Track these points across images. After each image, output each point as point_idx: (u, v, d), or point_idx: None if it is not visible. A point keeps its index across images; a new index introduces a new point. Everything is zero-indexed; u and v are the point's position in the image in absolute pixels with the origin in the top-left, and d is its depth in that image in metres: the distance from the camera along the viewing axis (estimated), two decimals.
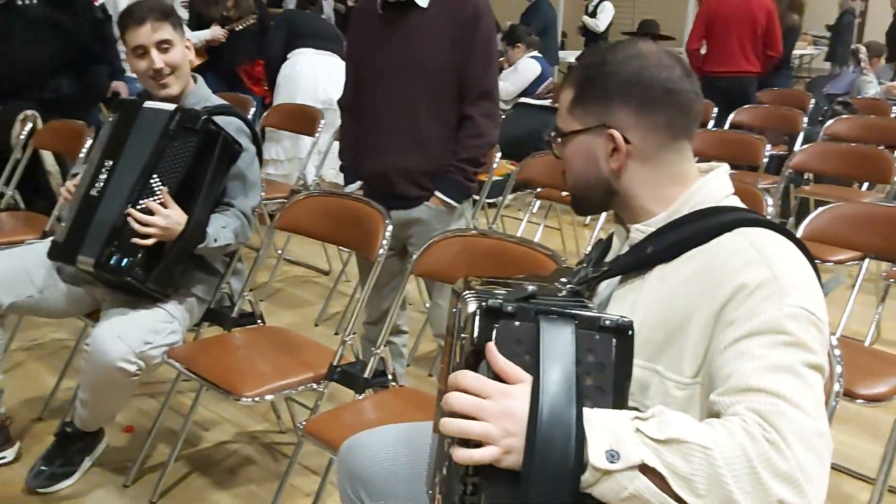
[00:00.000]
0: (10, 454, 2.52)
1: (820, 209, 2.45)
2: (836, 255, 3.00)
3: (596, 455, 1.01)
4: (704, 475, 0.99)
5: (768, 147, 3.92)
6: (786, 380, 1.06)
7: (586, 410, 1.04)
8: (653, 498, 1.01)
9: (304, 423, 1.95)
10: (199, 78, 2.53)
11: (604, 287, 1.36)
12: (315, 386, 2.16)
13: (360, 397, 2.11)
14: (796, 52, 10.34)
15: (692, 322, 1.17)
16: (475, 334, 1.09)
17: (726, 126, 4.92)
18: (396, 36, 2.49)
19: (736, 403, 1.06)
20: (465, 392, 1.08)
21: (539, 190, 4.09)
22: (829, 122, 4.62)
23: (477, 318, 1.10)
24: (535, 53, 6.08)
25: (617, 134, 1.27)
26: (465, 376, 1.09)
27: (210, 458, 2.63)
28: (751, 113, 5.00)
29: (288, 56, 4.99)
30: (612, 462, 1.01)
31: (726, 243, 1.20)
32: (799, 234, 2.45)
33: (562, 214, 4.78)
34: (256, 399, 2.08)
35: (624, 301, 1.28)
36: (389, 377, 2.16)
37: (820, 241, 2.46)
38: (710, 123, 5.03)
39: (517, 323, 1.09)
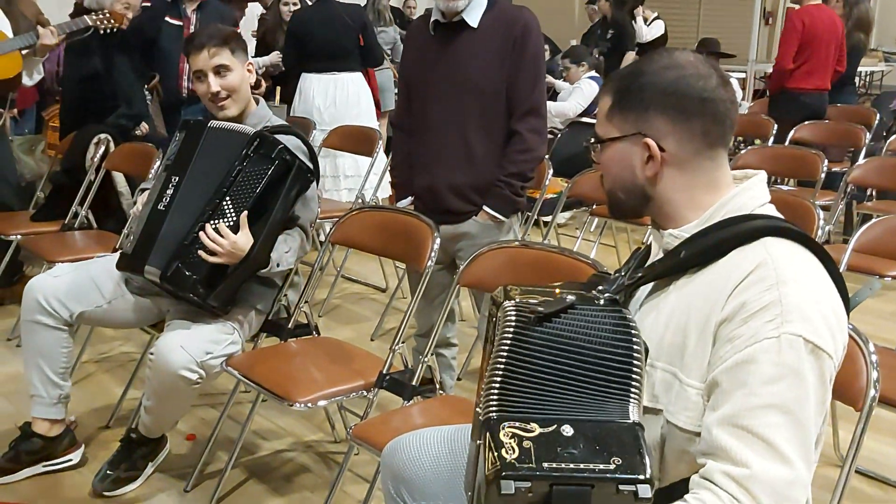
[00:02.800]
0: (75, 457, 2.63)
1: (872, 221, 2.43)
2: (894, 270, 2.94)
3: None
4: None
5: (825, 163, 3.87)
6: (774, 420, 1.13)
7: None
8: None
9: (352, 427, 2.02)
10: (261, 100, 2.64)
11: (640, 293, 1.39)
12: (365, 393, 2.22)
13: (408, 404, 2.16)
14: (866, 68, 10.13)
15: (708, 328, 1.21)
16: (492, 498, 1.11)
17: (787, 142, 4.86)
18: (448, 55, 2.56)
19: (720, 449, 1.15)
20: None
21: (594, 206, 4.11)
22: (893, 137, 4.54)
23: (494, 485, 1.10)
24: (594, 74, 6.10)
25: (652, 143, 1.30)
26: None
27: (266, 466, 2.71)
28: (812, 129, 4.93)
29: (302, 74, 5.03)
30: None
31: (746, 254, 1.22)
32: (851, 246, 2.43)
33: (618, 232, 4.78)
34: (309, 405, 2.15)
35: (653, 309, 1.31)
36: (437, 386, 2.21)
37: (873, 254, 2.44)
38: (771, 140, 4.99)
39: (531, 495, 1.10)
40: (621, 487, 1.08)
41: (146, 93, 4.58)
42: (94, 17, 3.77)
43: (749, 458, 1.13)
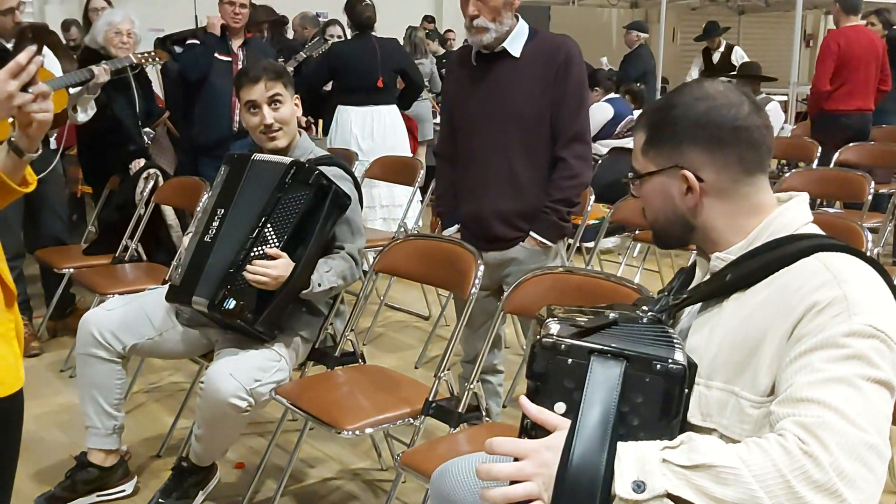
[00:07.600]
0: (128, 487, 2.67)
1: None
2: None
3: (623, 487, 1.07)
4: (737, 494, 1.04)
5: (872, 184, 3.81)
6: (840, 391, 1.09)
7: (620, 445, 1.11)
8: None
9: (400, 454, 2.03)
10: (303, 132, 2.69)
11: (685, 315, 1.40)
12: (412, 420, 2.23)
13: (455, 431, 2.17)
14: None
15: (766, 342, 1.20)
16: (533, 368, 1.19)
17: (832, 164, 4.80)
18: (490, 85, 2.59)
19: (785, 417, 1.10)
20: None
21: (637, 232, 4.10)
22: None
23: (534, 352, 1.18)
24: (612, 95, 6.10)
25: (690, 174, 1.32)
26: (500, 444, 1.16)
27: (315, 494, 2.73)
28: (857, 150, 4.86)
29: (338, 104, 5.13)
30: (638, 492, 1.06)
31: (801, 267, 1.22)
32: None
33: (661, 258, 4.75)
34: (357, 432, 2.16)
35: (703, 329, 1.31)
36: (483, 412, 2.22)
37: None
38: (816, 162, 4.93)
39: (570, 361, 1.17)
40: (655, 363, 1.15)
41: (151, 130, 4.67)
42: (140, 55, 3.89)
43: (820, 414, 1.08)
